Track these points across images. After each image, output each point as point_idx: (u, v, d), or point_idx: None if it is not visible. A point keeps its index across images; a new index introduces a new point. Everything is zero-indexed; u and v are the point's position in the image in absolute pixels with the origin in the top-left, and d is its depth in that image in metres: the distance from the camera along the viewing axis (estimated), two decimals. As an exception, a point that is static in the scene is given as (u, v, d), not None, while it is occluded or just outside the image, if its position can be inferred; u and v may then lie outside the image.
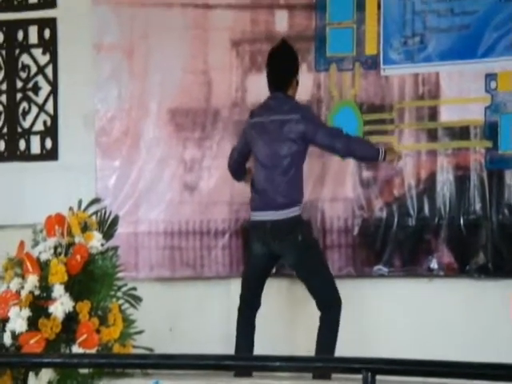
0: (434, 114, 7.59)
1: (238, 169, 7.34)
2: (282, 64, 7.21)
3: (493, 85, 7.44)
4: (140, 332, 5.84)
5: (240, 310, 7.03)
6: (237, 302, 7.15)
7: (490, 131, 7.43)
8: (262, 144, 7.04)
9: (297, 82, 7.24)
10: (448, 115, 7.56)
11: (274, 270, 7.58)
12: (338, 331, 6.73)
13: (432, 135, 7.57)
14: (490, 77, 7.45)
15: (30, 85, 8.51)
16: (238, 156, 7.32)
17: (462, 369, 4.22)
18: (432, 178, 7.49)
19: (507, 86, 7.43)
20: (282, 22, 7.87)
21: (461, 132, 7.50)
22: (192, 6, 8.08)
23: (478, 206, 7.39)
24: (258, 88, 7.85)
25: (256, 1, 7.97)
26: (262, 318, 7.28)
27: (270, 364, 5.03)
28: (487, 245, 7.35)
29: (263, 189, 6.98)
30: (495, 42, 7.43)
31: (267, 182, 6.98)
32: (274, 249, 6.95)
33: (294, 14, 7.87)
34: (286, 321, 7.47)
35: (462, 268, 7.43)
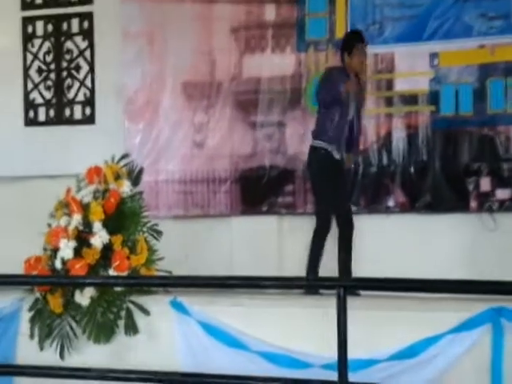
0: (389, 85, 7.53)
1: None
2: None
3: (435, 62, 7.41)
4: (161, 259, 5.77)
5: None
6: (237, 235, 7.15)
7: (434, 98, 7.39)
8: None
9: None
10: (401, 86, 7.51)
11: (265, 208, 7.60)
12: (314, 247, 6.41)
13: (388, 101, 7.52)
14: (433, 55, 7.41)
15: (73, 65, 8.46)
16: None
17: (413, 284, 4.19)
18: (389, 135, 7.47)
19: (447, 63, 7.38)
20: (270, 13, 7.77)
21: (411, 99, 7.44)
22: (199, 1, 7.98)
23: (424, 157, 7.38)
24: (252, 66, 7.84)
25: (249, -4, 7.86)
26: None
27: (262, 283, 5.01)
28: (432, 187, 7.34)
29: None
30: (437, 28, 7.38)
31: None
32: None
33: (280, 6, 7.77)
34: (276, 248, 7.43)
35: (412, 205, 7.41)
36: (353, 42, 6.55)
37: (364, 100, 6.79)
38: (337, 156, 6.43)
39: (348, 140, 6.48)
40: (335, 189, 6.39)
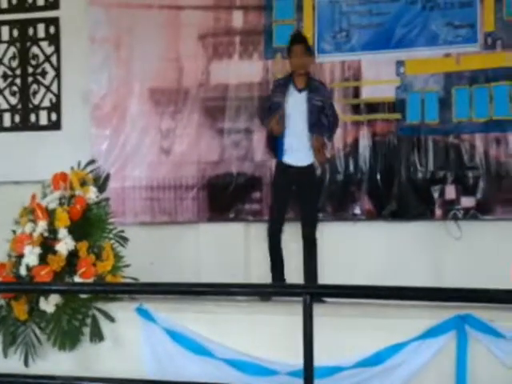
0: (356, 93, 7.54)
1: None
2: None
3: (401, 70, 7.43)
4: (127, 265, 5.78)
5: None
6: (204, 242, 7.16)
7: (400, 106, 7.41)
8: None
9: None
10: (367, 93, 7.51)
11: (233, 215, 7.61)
12: (269, 253, 6.45)
13: (355, 109, 7.52)
14: (399, 63, 7.43)
15: (39, 70, 8.41)
16: None
17: (379, 291, 4.21)
18: (355, 142, 7.47)
19: (412, 71, 7.41)
20: (238, 20, 7.78)
21: (377, 107, 7.46)
22: (167, 7, 7.96)
23: (390, 165, 7.39)
24: (219, 72, 7.84)
25: (217, 2, 7.86)
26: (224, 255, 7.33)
27: (229, 290, 5.00)
28: (398, 195, 7.36)
29: None
30: (403, 36, 7.42)
31: None
32: None
33: (247, 13, 7.78)
34: (243, 255, 7.45)
35: (378, 213, 7.42)
36: (291, 43, 6.58)
37: (320, 89, 6.53)
38: (292, 162, 6.42)
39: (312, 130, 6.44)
40: (285, 194, 6.46)
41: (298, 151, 6.39)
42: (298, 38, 6.63)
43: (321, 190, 6.93)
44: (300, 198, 6.47)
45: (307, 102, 6.39)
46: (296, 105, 6.37)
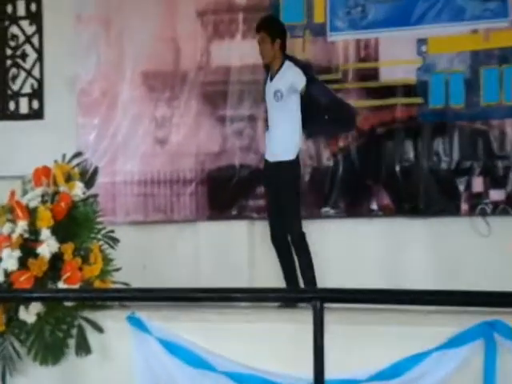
0: (373, 75, 7.53)
1: None
2: None
3: (423, 48, 7.42)
4: (117, 269, 5.83)
5: None
6: (203, 242, 7.17)
7: (421, 89, 7.40)
8: None
9: None
10: (385, 75, 7.50)
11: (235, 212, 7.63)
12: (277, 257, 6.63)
13: (372, 93, 7.51)
14: (421, 41, 7.42)
15: (19, 52, 8.46)
16: None
17: (397, 295, 4.19)
18: (372, 130, 7.46)
19: (436, 50, 7.40)
20: (241, -5, 7.80)
21: (396, 90, 7.44)
22: (161, -20, 7.99)
23: (411, 155, 7.39)
24: (221, 53, 7.86)
25: (218, -24, 7.89)
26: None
27: (232, 295, 4.99)
28: (419, 188, 7.35)
29: None
30: (425, 12, 7.40)
31: None
32: None
33: (251, -13, 7.80)
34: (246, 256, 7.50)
35: (397, 208, 7.42)
36: None
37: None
38: (269, 158, 6.62)
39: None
40: (269, 196, 6.66)
41: (274, 146, 6.56)
42: (258, 26, 6.78)
43: (298, 186, 6.77)
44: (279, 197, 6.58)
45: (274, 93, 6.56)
46: (269, 94, 6.56)
